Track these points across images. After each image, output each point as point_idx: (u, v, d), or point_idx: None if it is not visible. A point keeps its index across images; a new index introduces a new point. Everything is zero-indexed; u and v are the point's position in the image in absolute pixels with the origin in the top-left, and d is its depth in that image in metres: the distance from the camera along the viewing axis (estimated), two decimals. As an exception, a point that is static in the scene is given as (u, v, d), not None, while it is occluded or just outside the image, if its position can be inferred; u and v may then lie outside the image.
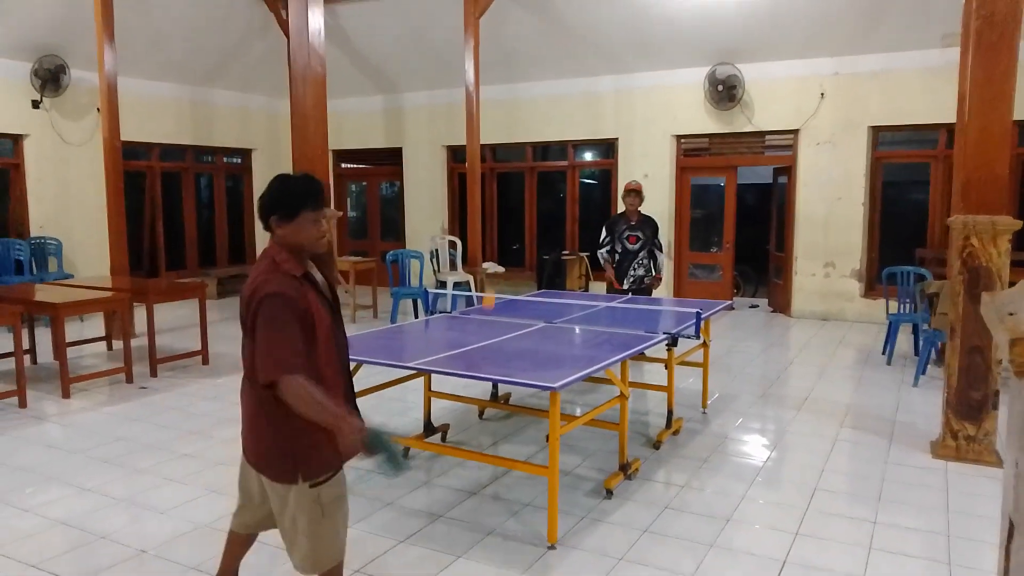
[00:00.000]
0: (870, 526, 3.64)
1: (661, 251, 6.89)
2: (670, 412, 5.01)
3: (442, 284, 9.15)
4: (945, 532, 3.58)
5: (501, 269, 10.48)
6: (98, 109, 8.34)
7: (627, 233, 6.78)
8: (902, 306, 7.54)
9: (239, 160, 12.56)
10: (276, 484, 2.40)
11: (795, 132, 9.47)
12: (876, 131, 9.12)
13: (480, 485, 4.15)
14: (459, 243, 9.47)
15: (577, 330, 4.67)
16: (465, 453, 4.38)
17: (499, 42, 9.83)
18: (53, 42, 9.17)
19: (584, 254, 10.75)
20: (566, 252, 10.77)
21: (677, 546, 3.45)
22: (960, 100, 6.69)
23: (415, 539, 3.51)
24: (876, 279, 9.18)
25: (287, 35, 10.46)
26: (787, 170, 9.75)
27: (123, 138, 8.38)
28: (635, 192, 6.76)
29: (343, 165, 13.28)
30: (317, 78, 6.80)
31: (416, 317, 9.13)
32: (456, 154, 11.97)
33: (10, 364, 6.42)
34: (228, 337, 7.98)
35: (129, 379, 6.45)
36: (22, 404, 5.70)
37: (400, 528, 3.62)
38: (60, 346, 6.05)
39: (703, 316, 4.65)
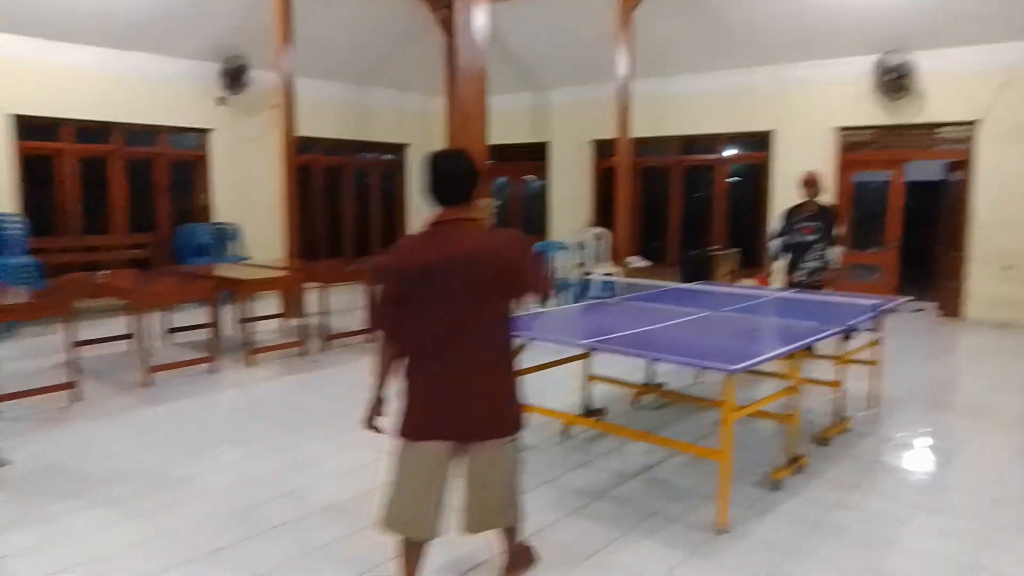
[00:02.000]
0: (1072, 541, 3.36)
1: (835, 244, 6.40)
2: (839, 409, 4.83)
3: (588, 275, 9.21)
4: None
5: (646, 263, 10.40)
6: (274, 106, 9.04)
7: (803, 224, 6.51)
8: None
9: (394, 156, 13.19)
10: (501, 441, 2.64)
11: (972, 124, 8.78)
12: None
13: (640, 468, 4.19)
14: (606, 235, 9.49)
15: (745, 319, 4.59)
16: (633, 433, 4.41)
17: (648, 36, 9.74)
18: (237, 44, 10.02)
19: (735, 250, 10.47)
20: (713, 248, 10.53)
21: (851, 542, 3.35)
22: None
23: (579, 515, 3.60)
24: (1065, 284, 8.37)
25: (449, 34, 10.95)
26: (961, 165, 9.05)
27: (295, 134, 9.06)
28: (811, 183, 6.50)
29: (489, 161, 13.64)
30: (478, 75, 7.04)
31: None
32: (602, 149, 12.01)
33: (199, 335, 7.13)
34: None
35: (303, 353, 6.99)
36: (213, 370, 6.32)
37: (563, 504, 3.72)
38: (244, 320, 6.65)
39: (881, 308, 4.45)
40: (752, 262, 10.69)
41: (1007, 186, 8.58)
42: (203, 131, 10.37)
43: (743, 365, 3.21)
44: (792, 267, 6.52)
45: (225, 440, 4.71)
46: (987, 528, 3.50)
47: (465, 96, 7.07)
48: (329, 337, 7.27)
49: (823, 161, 9.80)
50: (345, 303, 9.38)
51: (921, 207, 9.86)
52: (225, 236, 10.51)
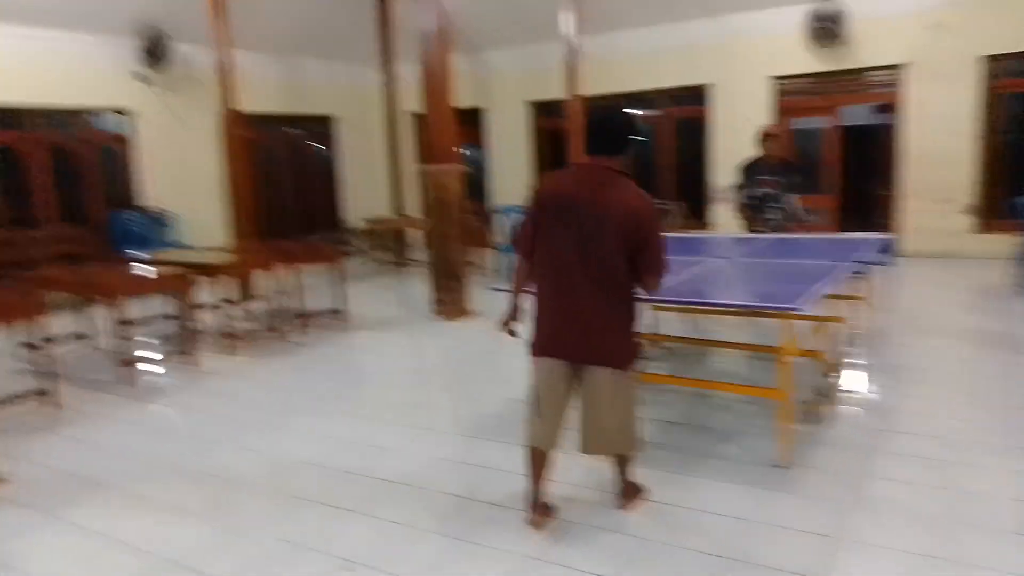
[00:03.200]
0: None
1: (795, 188, 6.57)
2: (847, 342, 5.07)
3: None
4: None
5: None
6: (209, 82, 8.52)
7: (764, 178, 6.64)
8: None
9: (326, 129, 12.70)
10: (615, 371, 2.87)
11: (900, 67, 9.24)
12: (992, 60, 8.84)
13: (682, 416, 4.27)
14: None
15: (763, 264, 4.72)
16: (693, 382, 4.58)
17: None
18: (156, 16, 9.34)
19: (681, 203, 10.70)
20: (662, 202, 10.73)
21: (912, 462, 3.53)
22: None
23: (638, 464, 3.64)
24: (994, 214, 9.02)
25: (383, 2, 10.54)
26: (892, 107, 9.53)
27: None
28: (771, 136, 6.61)
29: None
30: (443, 38, 6.87)
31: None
32: (542, 111, 11.98)
33: (155, 327, 6.73)
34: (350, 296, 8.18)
35: (282, 337, 6.71)
36: (193, 362, 5.99)
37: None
38: (217, 307, 6.31)
39: (887, 244, 4.66)
40: (698, 214, 10.99)
41: (935, 124, 9.10)
42: (128, 112, 9.67)
43: (802, 302, 3.29)
44: (752, 220, 6.57)
45: (244, 428, 4.49)
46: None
47: (433, 60, 6.89)
48: (303, 318, 7.01)
49: (761, 111, 10.12)
50: (309, 284, 9.06)
51: (858, 150, 10.35)
52: (160, 223, 9.91)
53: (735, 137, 10.29)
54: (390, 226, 10.88)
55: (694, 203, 10.95)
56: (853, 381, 4.72)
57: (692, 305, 3.72)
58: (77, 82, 9.03)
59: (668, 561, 2.81)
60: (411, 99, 11.57)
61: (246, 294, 8.15)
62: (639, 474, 3.37)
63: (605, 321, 2.83)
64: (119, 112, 9.64)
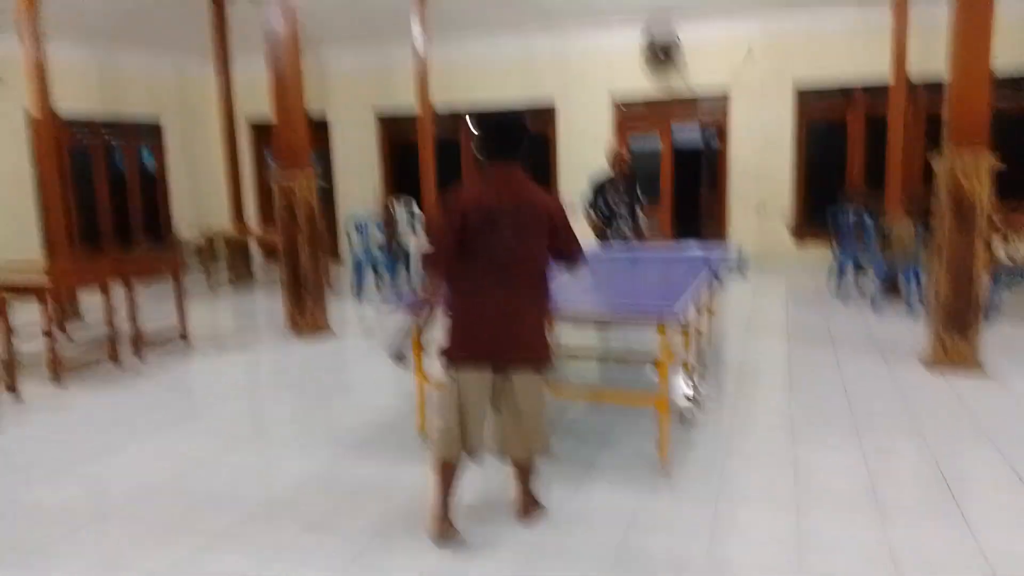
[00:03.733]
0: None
1: (641, 204, 7.02)
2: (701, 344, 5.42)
3: (402, 249, 9.08)
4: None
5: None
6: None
7: (614, 197, 7.02)
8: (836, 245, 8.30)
9: (148, 128, 11.68)
10: (533, 375, 3.00)
11: (725, 93, 10.06)
12: (802, 91, 9.84)
13: (562, 423, 4.35)
14: (416, 206, 9.41)
15: (621, 273, 4.92)
16: (575, 391, 4.67)
17: None
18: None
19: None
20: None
21: (763, 451, 3.83)
22: (898, 57, 7.46)
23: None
24: (808, 227, 10.04)
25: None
26: (718, 125, 10.36)
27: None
28: (620, 161, 7.00)
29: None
30: (294, 36, 6.61)
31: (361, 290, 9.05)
32: (386, 119, 11.80)
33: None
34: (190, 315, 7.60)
35: (117, 363, 6.08)
36: (13, 395, 5.27)
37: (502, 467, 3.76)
38: (46, 329, 5.61)
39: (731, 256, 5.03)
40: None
41: (755, 141, 9.99)
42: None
43: (677, 309, 3.48)
44: (603, 233, 6.95)
45: (89, 456, 4.01)
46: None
47: (283, 60, 6.59)
48: (140, 342, 6.40)
49: (602, 128, 10.62)
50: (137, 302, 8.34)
51: (688, 165, 11.12)
52: (-47, 235, 8.68)
53: (579, 152, 10.75)
54: (229, 238, 10.21)
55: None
56: (708, 383, 5.05)
57: (578, 314, 3.79)
58: None
59: (567, 564, 2.85)
60: (252, 105, 11.02)
61: (69, 315, 7.35)
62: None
63: (529, 323, 2.96)
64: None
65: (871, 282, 7.68)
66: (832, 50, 9.44)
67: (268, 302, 8.86)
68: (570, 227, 3.02)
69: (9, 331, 5.42)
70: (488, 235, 2.85)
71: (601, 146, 10.43)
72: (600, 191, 7.06)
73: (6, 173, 9.27)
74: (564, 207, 3.02)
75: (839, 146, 9.99)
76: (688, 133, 11.13)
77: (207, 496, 3.56)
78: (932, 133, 8.33)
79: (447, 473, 3.01)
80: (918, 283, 6.95)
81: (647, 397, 4.09)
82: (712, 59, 9.97)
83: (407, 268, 9.11)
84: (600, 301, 4.19)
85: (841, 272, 8.10)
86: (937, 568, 2.76)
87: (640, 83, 10.33)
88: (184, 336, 6.76)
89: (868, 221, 7.79)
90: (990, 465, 3.68)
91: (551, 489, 3.44)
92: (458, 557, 2.93)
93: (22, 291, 5.61)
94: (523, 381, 3.00)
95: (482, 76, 10.96)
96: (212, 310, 8.30)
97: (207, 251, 10.54)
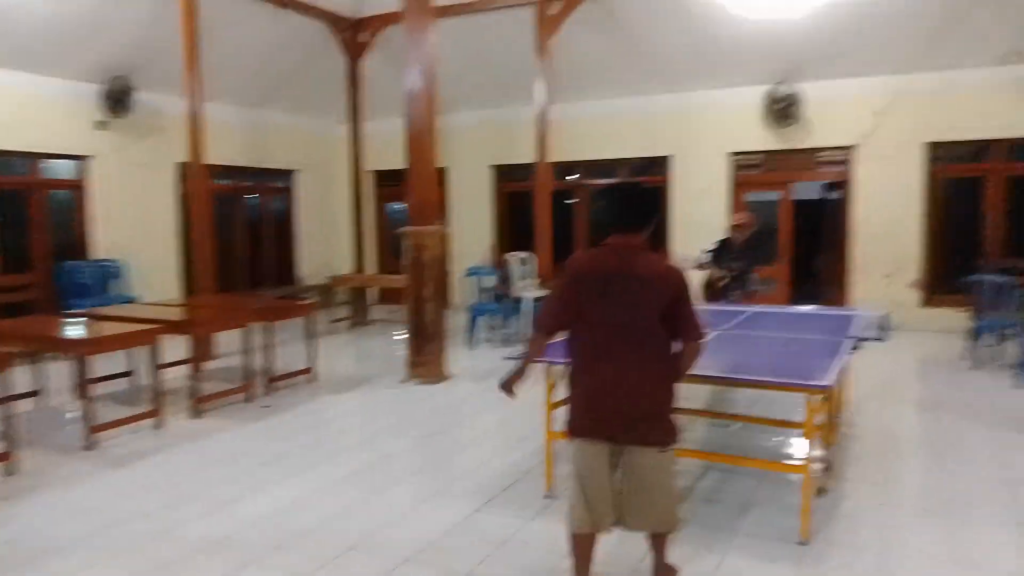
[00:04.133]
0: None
1: (753, 268, 6.98)
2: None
3: (515, 301, 9.22)
4: None
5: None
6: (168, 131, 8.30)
7: (731, 263, 6.95)
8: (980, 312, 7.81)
9: (284, 182, 12.48)
10: (654, 450, 2.86)
11: (850, 148, 9.80)
12: (933, 146, 9.47)
13: (696, 488, 4.25)
14: (531, 258, 9.56)
15: (761, 336, 4.81)
16: (712, 456, 4.54)
17: (558, 61, 9.98)
18: (121, 64, 9.11)
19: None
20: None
21: (919, 532, 3.60)
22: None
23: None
24: (938, 289, 9.53)
25: (351, 56, 10.62)
26: (841, 184, 10.06)
27: (183, 159, 8.36)
28: (741, 226, 7.02)
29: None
30: (428, 96, 6.91)
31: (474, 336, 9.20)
32: (503, 173, 12.13)
33: (110, 386, 6.34)
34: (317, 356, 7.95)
35: (249, 398, 6.42)
36: (158, 425, 5.65)
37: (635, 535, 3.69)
38: (194, 366, 6.01)
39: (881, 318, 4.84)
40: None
41: (881, 202, 9.63)
42: (82, 158, 9.29)
43: (825, 382, 3.37)
44: (717, 293, 6.94)
45: (219, 493, 4.23)
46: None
47: (419, 120, 6.91)
48: (272, 379, 6.75)
49: (718, 183, 10.53)
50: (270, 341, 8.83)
51: (808, 223, 10.83)
52: (108, 274, 9.46)
53: (694, 207, 10.68)
54: (352, 283, 10.68)
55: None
56: (847, 451, 4.82)
57: (725, 380, 3.72)
58: (35, 126, 8.65)
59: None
60: (375, 157, 11.60)
61: (208, 352, 7.83)
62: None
63: (648, 397, 2.83)
64: (74, 157, 9.24)
65: (1014, 349, 7.17)
66: (966, 105, 9.06)
67: (384, 345, 9.16)
68: (690, 303, 2.85)
69: (156, 365, 5.82)
70: (602, 302, 2.80)
71: (716, 201, 10.42)
72: (719, 252, 7.03)
73: (158, 218, 10.06)
74: (686, 280, 2.87)
75: (974, 206, 9.50)
76: (808, 191, 10.88)
77: (359, 539, 3.66)
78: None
79: (582, 545, 2.93)
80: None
81: (790, 464, 3.93)
82: (836, 118, 9.75)
83: (518, 317, 9.23)
84: (745, 364, 4.09)
85: (978, 338, 7.60)
86: None
87: (759, 140, 10.21)
88: (311, 374, 7.09)
89: (1011, 284, 7.34)
90: None
91: (692, 555, 3.35)
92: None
93: (174, 327, 6.04)
94: (643, 458, 2.87)
95: (600, 133, 11.13)
96: (334, 351, 8.65)
97: (328, 294, 11.05)
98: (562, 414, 3.06)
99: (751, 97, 10.04)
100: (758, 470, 4.33)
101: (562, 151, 10.68)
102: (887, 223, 9.64)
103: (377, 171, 12.50)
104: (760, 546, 3.53)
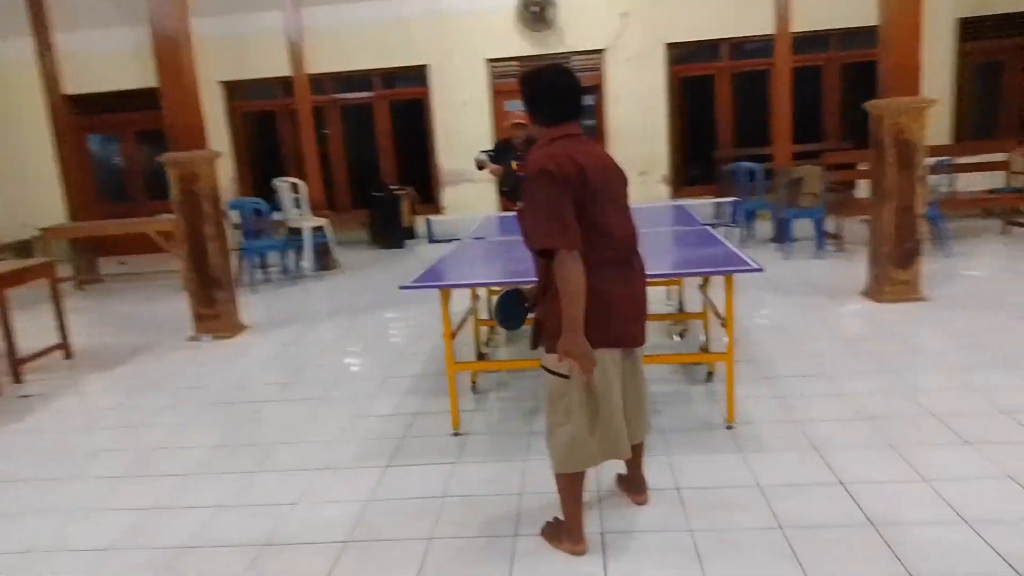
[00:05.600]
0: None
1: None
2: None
3: (293, 231, 8.26)
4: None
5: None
6: None
7: (514, 160, 6.48)
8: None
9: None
10: (641, 349, 2.71)
11: (601, 52, 10.14)
12: (672, 47, 10.15)
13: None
14: (301, 186, 8.54)
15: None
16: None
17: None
18: None
19: (409, 188, 10.45)
20: (395, 187, 10.34)
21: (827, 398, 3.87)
22: (779, 10, 7.83)
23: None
24: (684, 181, 10.45)
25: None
26: (596, 87, 10.43)
27: None
28: (520, 124, 6.61)
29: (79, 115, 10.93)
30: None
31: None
32: (236, 91, 10.67)
33: None
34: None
35: (-5, 390, 4.94)
36: None
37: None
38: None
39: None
40: (428, 198, 10.84)
41: (632, 104, 10.18)
42: None
43: (757, 265, 3.38)
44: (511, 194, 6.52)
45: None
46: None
47: (166, 22, 5.66)
48: (19, 362, 5.26)
49: (480, 93, 10.32)
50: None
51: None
52: None
53: (457, 120, 10.38)
54: (73, 234, 8.68)
55: (421, 187, 10.76)
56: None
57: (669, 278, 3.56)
58: None
59: (739, 546, 2.64)
60: (75, 78, 9.44)
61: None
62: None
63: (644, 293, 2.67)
64: None
65: (766, 228, 8.13)
66: (700, 7, 9.79)
67: (140, 303, 7.70)
68: None
69: None
70: (610, 202, 2.47)
71: (479, 112, 10.23)
72: (498, 150, 6.63)
73: None
74: None
75: (709, 102, 10.46)
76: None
77: (268, 536, 2.94)
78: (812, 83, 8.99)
79: (580, 485, 2.61)
80: (820, 226, 7.47)
81: (717, 354, 3.89)
82: (586, 19, 9.97)
83: (298, 252, 8.31)
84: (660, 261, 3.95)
85: (733, 221, 8.48)
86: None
87: (516, 46, 10.12)
88: (67, 352, 5.68)
89: (762, 171, 8.25)
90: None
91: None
92: (619, 558, 2.62)
93: None
94: (639, 357, 2.74)
95: (358, 41, 10.19)
96: (75, 319, 7.02)
97: (30, 252, 8.98)
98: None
99: (505, 1, 9.85)
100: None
101: (319, 63, 9.62)
102: (638, 124, 10.23)
103: (74, 96, 10.21)
104: (695, 439, 3.50)
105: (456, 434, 3.74)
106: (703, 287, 4.50)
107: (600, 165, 2.47)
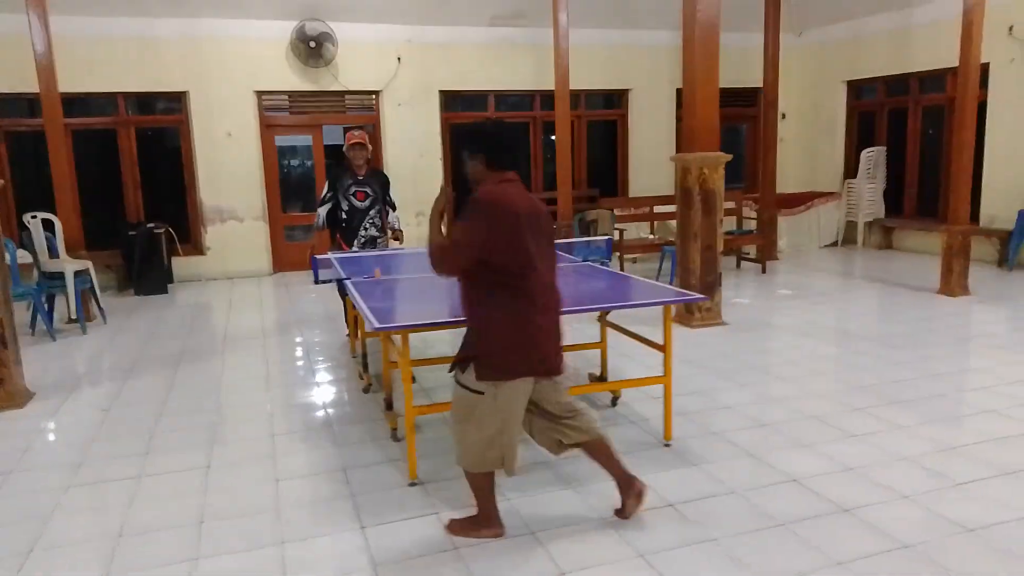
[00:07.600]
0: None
1: (394, 209, 6.35)
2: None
3: (51, 276, 6.88)
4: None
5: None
6: None
7: (354, 189, 6.08)
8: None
9: None
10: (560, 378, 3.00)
11: (377, 93, 10.16)
12: (445, 95, 10.53)
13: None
14: (56, 223, 7.10)
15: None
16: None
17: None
18: None
19: (165, 226, 9.29)
20: (154, 224, 9.12)
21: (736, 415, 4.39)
22: (559, 70, 8.65)
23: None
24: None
25: None
26: (374, 126, 10.37)
27: None
28: (360, 145, 6.10)
29: None
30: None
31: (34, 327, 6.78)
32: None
33: None
34: None
35: None
36: None
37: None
38: None
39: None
40: (186, 238, 9.77)
41: (408, 146, 10.31)
42: None
43: (702, 295, 3.78)
44: (349, 236, 6.15)
45: None
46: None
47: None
48: None
49: (248, 125, 9.68)
50: None
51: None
52: None
53: (220, 152, 9.56)
54: None
55: (179, 225, 9.66)
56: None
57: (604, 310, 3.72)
58: None
59: (766, 545, 2.93)
60: None
61: None
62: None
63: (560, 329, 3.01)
64: None
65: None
66: (469, 58, 10.35)
67: None
68: None
69: None
70: (541, 241, 2.85)
71: (247, 145, 9.60)
72: (333, 183, 6.12)
73: None
74: None
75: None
76: (338, 135, 10.86)
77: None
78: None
79: (490, 480, 3.01)
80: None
81: (656, 377, 4.05)
82: (364, 62, 9.94)
83: (51, 301, 6.95)
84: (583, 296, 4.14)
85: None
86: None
87: (288, 80, 9.70)
88: None
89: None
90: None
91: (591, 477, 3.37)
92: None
93: None
94: (553, 386, 3.00)
95: (85, 58, 8.84)
96: None
97: None
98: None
99: (278, 32, 9.42)
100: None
101: (25, 80, 8.08)
102: (413, 167, 10.34)
103: None
104: (638, 457, 3.67)
105: (413, 484, 3.53)
106: (601, 319, 4.82)
107: (534, 209, 2.86)
